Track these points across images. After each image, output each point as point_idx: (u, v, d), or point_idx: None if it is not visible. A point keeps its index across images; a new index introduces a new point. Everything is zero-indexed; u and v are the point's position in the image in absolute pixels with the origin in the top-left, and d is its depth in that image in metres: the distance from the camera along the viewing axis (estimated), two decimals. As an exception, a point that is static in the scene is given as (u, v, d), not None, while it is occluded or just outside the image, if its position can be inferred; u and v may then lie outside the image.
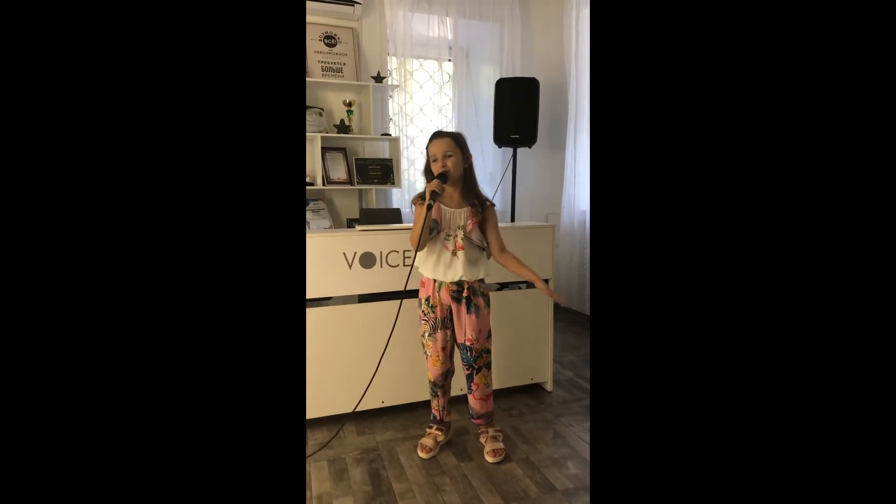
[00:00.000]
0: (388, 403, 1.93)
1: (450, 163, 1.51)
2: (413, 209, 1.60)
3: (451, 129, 3.30)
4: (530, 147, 3.16)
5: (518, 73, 3.29)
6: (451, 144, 1.52)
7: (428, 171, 1.57)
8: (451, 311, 1.60)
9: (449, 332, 1.62)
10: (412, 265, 1.60)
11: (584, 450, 1.70)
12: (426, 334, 1.63)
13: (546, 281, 2.11)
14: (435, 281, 1.59)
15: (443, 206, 1.56)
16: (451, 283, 1.57)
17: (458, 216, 1.56)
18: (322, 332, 1.79)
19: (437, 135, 1.55)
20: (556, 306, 3.31)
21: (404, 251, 1.87)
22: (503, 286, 2.17)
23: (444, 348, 1.63)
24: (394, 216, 2.76)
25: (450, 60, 3.31)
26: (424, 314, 1.62)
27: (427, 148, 1.57)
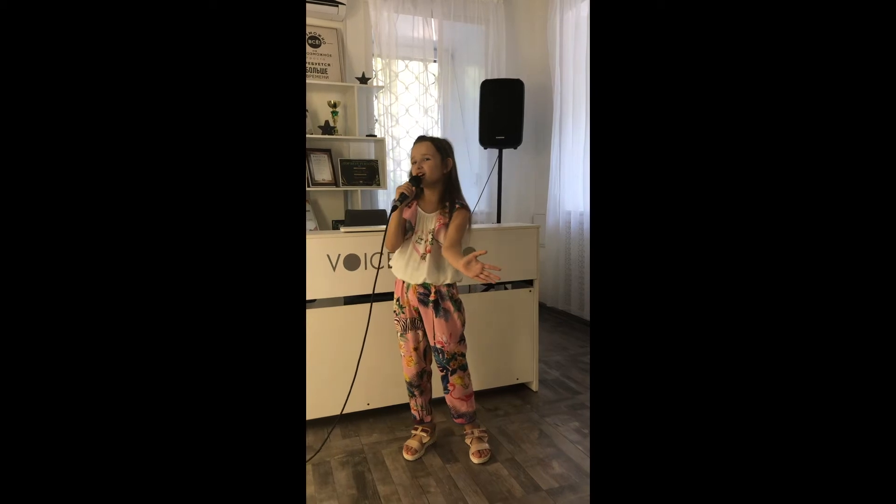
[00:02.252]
0: (373, 405, 1.92)
1: (426, 166, 1.52)
2: None
3: (437, 130, 3.31)
4: (515, 148, 3.18)
5: (503, 75, 3.30)
6: (430, 148, 1.54)
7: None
8: (419, 312, 1.61)
9: (420, 333, 1.64)
10: (378, 267, 1.61)
11: (570, 449, 1.71)
12: (399, 334, 1.67)
13: (531, 281, 2.13)
14: (404, 282, 1.61)
15: (420, 209, 1.58)
16: (418, 285, 1.58)
17: (431, 220, 1.58)
18: (307, 334, 1.78)
19: (419, 139, 1.58)
20: (542, 306, 3.32)
21: (388, 253, 1.87)
22: (489, 287, 2.17)
23: (415, 349, 1.65)
24: (379, 217, 2.74)
25: (435, 62, 3.30)
26: (396, 314, 1.66)
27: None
